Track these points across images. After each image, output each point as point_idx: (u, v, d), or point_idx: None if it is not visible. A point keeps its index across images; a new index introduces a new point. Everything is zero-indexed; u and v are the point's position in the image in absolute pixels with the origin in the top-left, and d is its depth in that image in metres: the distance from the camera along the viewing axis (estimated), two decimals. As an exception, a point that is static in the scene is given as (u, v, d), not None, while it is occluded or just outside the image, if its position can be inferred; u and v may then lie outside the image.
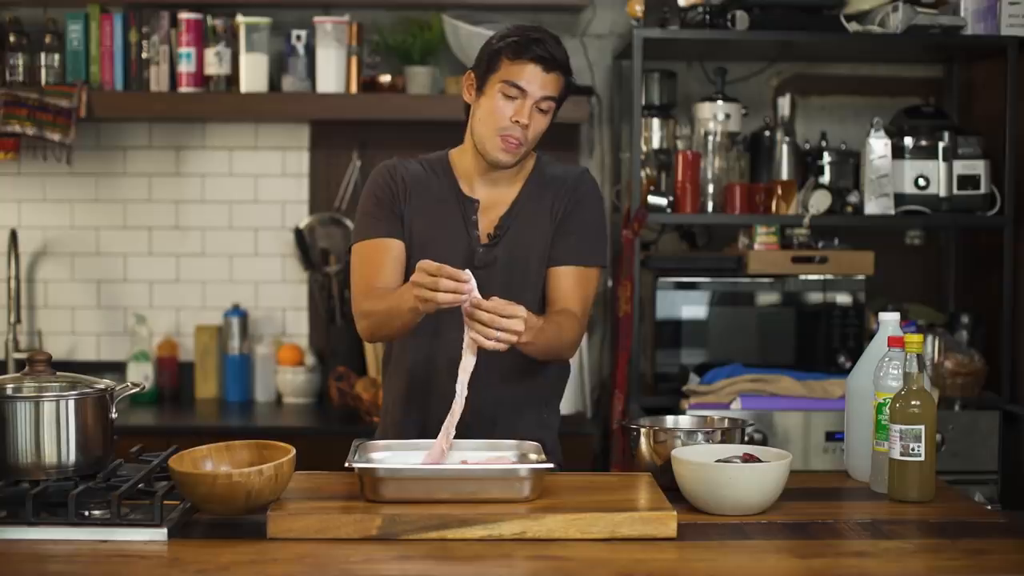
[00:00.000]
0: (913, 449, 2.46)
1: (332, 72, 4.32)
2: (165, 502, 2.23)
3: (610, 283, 4.41)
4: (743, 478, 2.37)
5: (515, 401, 2.79)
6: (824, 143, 4.27)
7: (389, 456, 2.47)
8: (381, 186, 2.80)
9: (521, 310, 2.45)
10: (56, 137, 4.26)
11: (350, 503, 2.28)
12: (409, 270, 2.75)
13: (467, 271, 2.44)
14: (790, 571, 2.10)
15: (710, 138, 4.16)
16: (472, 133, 2.77)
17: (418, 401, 2.80)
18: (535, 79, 2.68)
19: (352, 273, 2.80)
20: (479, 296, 2.44)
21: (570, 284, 2.78)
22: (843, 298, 4.14)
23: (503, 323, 2.43)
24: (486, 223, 2.79)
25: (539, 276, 2.79)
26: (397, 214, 2.78)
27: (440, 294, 2.42)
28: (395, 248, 2.76)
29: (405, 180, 2.80)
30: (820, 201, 4.04)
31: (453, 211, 2.79)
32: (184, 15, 4.31)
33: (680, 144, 4.23)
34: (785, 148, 4.20)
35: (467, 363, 2.46)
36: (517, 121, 2.68)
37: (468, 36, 4.21)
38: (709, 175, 4.13)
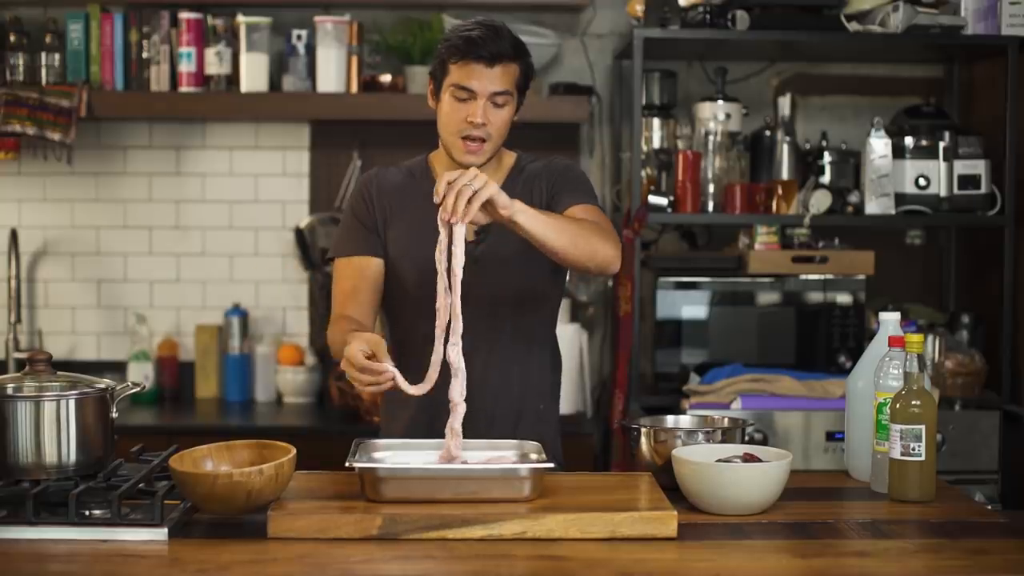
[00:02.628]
0: (913, 449, 2.46)
1: (332, 72, 4.32)
2: (165, 502, 2.23)
3: (610, 283, 4.41)
4: (744, 478, 2.37)
5: (511, 395, 2.79)
6: (824, 143, 4.27)
7: (390, 456, 2.47)
8: (359, 200, 2.86)
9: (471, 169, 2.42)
10: (56, 137, 4.26)
11: (350, 503, 2.28)
12: (394, 275, 2.80)
13: (386, 364, 2.41)
14: (790, 571, 2.10)
15: (710, 138, 4.16)
16: (440, 136, 2.79)
17: (416, 405, 2.80)
18: (481, 77, 2.68)
19: (332, 287, 2.83)
20: (402, 380, 2.43)
21: (580, 215, 2.72)
22: (843, 298, 4.14)
23: (457, 183, 2.37)
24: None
25: (524, 270, 2.78)
26: (371, 229, 2.81)
27: (362, 389, 2.45)
28: (370, 267, 2.79)
29: (383, 191, 2.83)
30: (820, 201, 4.04)
31: (435, 212, 2.79)
32: (184, 15, 4.31)
33: (680, 144, 4.23)
34: (785, 148, 4.20)
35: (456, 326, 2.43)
36: (472, 122, 2.69)
37: (468, 36, 4.21)
38: (709, 175, 4.13)
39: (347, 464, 2.32)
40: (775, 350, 4.12)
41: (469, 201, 2.37)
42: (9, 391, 2.34)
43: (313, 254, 4.51)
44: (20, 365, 4.23)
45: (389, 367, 2.41)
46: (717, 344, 4.12)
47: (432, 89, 2.79)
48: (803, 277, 4.14)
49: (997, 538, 2.28)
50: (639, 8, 4.09)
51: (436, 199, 2.41)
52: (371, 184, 2.85)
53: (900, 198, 4.10)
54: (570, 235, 2.55)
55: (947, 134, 4.14)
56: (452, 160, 2.76)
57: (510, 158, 2.87)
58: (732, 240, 4.33)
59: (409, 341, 2.79)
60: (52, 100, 4.26)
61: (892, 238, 4.51)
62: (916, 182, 4.11)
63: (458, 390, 2.43)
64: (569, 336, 4.20)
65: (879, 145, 4.06)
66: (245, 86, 4.33)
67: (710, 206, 4.14)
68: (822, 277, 4.13)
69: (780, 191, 4.09)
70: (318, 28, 4.32)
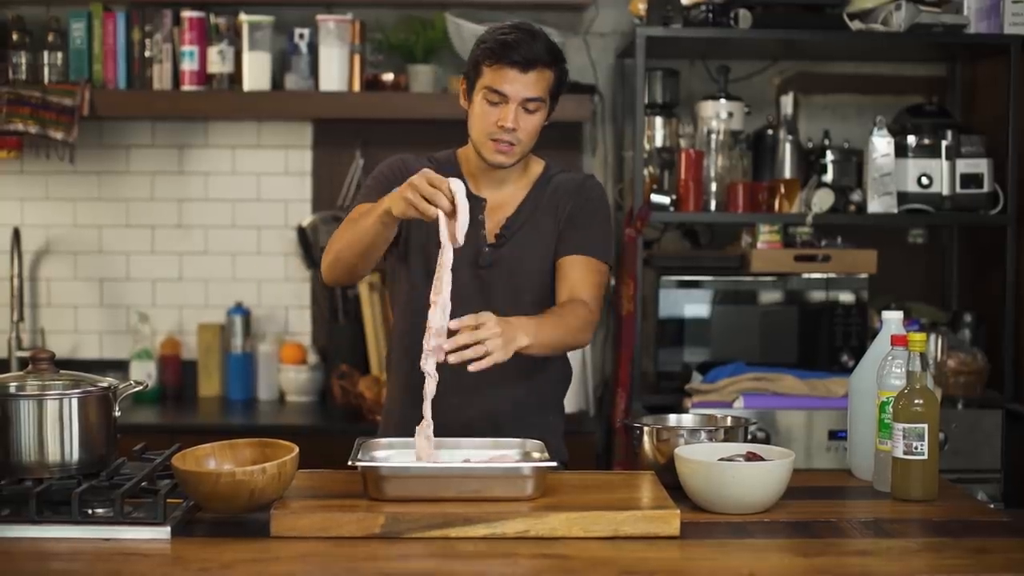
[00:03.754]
0: (916, 448, 2.46)
1: (335, 70, 4.32)
2: (168, 500, 2.24)
3: (613, 282, 4.41)
4: (746, 477, 2.37)
5: (518, 406, 2.79)
6: (827, 142, 4.27)
7: (392, 454, 2.47)
8: (393, 171, 2.82)
9: (484, 315, 2.44)
10: (59, 135, 4.26)
11: (353, 501, 2.28)
12: (406, 263, 2.79)
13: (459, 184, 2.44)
14: (793, 569, 2.10)
15: (713, 136, 4.16)
16: (470, 136, 2.78)
17: (418, 403, 2.79)
18: (515, 82, 2.67)
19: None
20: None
21: (578, 273, 2.76)
22: (846, 297, 4.13)
23: (481, 334, 2.41)
24: (492, 224, 2.80)
25: (541, 279, 2.79)
26: None
27: (432, 209, 2.41)
28: None
29: (412, 173, 2.81)
30: (823, 200, 4.04)
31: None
32: (187, 13, 4.32)
33: (683, 143, 4.23)
34: (788, 147, 4.20)
35: (430, 387, 2.45)
36: (502, 126, 2.68)
37: (471, 34, 4.21)
38: (712, 174, 4.13)
39: (350, 463, 2.32)
40: (777, 349, 4.12)
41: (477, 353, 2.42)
42: (12, 390, 2.35)
43: (315, 253, 4.51)
44: (23, 364, 4.24)
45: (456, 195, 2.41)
46: (719, 343, 4.11)
47: (464, 89, 2.78)
48: (805, 276, 4.13)
49: (999, 537, 2.28)
50: (641, 7, 4.09)
51: (454, 325, 2.42)
52: (406, 162, 2.83)
53: (902, 197, 4.10)
54: (558, 342, 2.64)
55: (949, 133, 4.14)
56: (481, 160, 2.76)
57: (538, 166, 2.87)
58: (734, 239, 4.32)
59: (415, 331, 2.78)
60: (55, 99, 4.26)
61: (894, 237, 4.51)
62: (918, 181, 4.11)
63: (427, 401, 2.44)
64: (571, 335, 4.19)
65: (881, 144, 4.06)
66: (247, 85, 4.33)
67: (712, 205, 4.13)
68: (824, 276, 4.13)
69: (782, 190, 4.09)
70: (320, 27, 4.32)
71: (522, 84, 2.67)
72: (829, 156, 4.19)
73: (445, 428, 2.64)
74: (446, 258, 2.43)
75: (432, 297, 2.43)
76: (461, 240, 2.42)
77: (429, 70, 4.38)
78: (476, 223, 2.78)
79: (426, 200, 2.42)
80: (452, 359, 2.42)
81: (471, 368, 2.42)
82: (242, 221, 4.60)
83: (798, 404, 3.86)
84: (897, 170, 4.08)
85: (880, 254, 4.15)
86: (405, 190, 2.44)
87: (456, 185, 2.43)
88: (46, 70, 4.32)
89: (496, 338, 2.43)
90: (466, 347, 2.41)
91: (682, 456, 2.43)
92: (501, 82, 2.67)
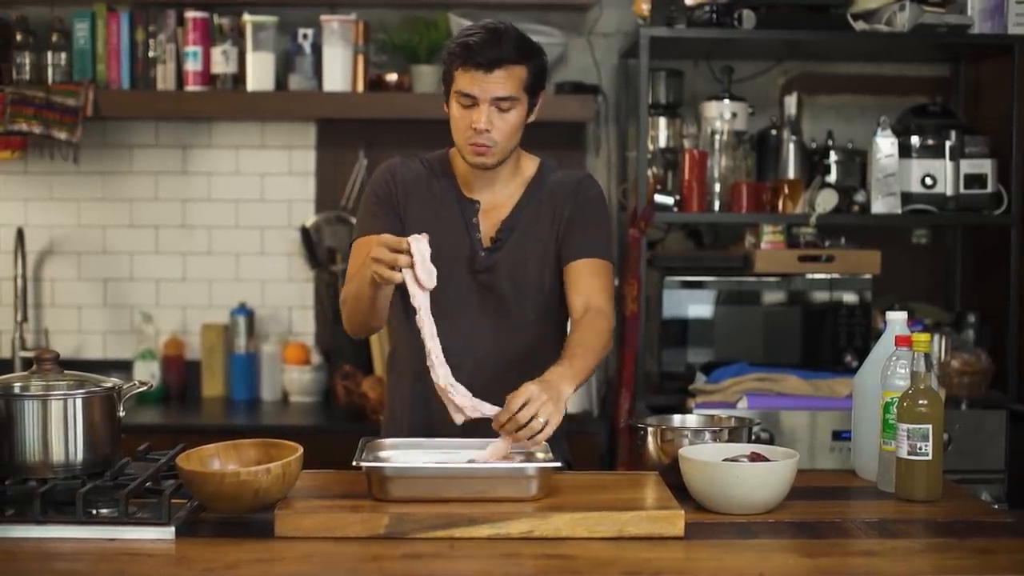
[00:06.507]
0: (920, 448, 2.46)
1: (338, 71, 4.33)
2: (172, 501, 2.24)
3: (616, 282, 4.41)
4: (751, 477, 2.37)
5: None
6: (831, 142, 4.27)
7: (396, 455, 2.47)
8: (381, 185, 2.82)
9: (523, 392, 2.41)
10: (63, 136, 4.27)
11: (357, 502, 2.28)
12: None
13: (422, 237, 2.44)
14: (797, 570, 2.10)
15: (717, 137, 4.16)
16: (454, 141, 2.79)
17: (423, 402, 2.79)
18: (482, 83, 2.64)
19: (350, 266, 2.80)
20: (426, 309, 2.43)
21: (588, 275, 2.74)
22: (849, 297, 4.13)
23: (529, 410, 2.39)
24: (487, 226, 2.78)
25: (541, 281, 2.78)
26: (396, 214, 2.78)
27: (396, 274, 2.43)
28: None
29: (405, 181, 2.81)
30: (827, 200, 4.04)
31: (454, 213, 2.78)
32: (191, 14, 4.32)
33: (687, 143, 4.24)
34: (792, 147, 4.20)
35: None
36: (475, 128, 2.66)
37: (474, 35, 4.21)
38: (716, 174, 4.13)
39: (354, 463, 2.32)
40: (781, 349, 4.12)
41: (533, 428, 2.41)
42: (16, 390, 2.35)
43: (319, 253, 4.52)
44: (27, 364, 4.24)
45: (414, 254, 2.41)
46: (723, 343, 4.11)
47: (445, 94, 2.77)
48: (809, 276, 4.13)
49: (1003, 538, 2.28)
50: (645, 7, 4.09)
51: (502, 417, 2.41)
52: (395, 171, 2.82)
53: (906, 197, 4.10)
54: (591, 367, 2.61)
55: (953, 133, 4.14)
56: (466, 162, 2.75)
57: (531, 166, 2.84)
58: (738, 239, 4.32)
59: (412, 334, 2.78)
60: (58, 99, 4.26)
61: (898, 237, 4.51)
62: (922, 181, 4.11)
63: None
64: (575, 335, 4.19)
65: (885, 144, 4.06)
66: (251, 85, 4.33)
67: (716, 205, 4.14)
68: (828, 276, 4.13)
69: (786, 190, 4.09)
70: (324, 27, 4.33)
71: (489, 84, 2.64)
72: (833, 156, 4.19)
73: (449, 429, 2.64)
74: (420, 302, 2.44)
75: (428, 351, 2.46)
76: (428, 283, 2.43)
77: (432, 70, 4.38)
78: (471, 227, 2.77)
79: (389, 266, 2.43)
80: (513, 441, 2.42)
81: (535, 443, 2.42)
82: (246, 221, 4.60)
83: (802, 404, 3.86)
84: (901, 170, 4.08)
85: (884, 254, 4.15)
86: (370, 264, 2.46)
87: (414, 240, 2.42)
88: (50, 70, 4.32)
89: (545, 404, 2.40)
90: (521, 427, 2.39)
91: (686, 456, 2.43)
92: (469, 84, 2.65)
